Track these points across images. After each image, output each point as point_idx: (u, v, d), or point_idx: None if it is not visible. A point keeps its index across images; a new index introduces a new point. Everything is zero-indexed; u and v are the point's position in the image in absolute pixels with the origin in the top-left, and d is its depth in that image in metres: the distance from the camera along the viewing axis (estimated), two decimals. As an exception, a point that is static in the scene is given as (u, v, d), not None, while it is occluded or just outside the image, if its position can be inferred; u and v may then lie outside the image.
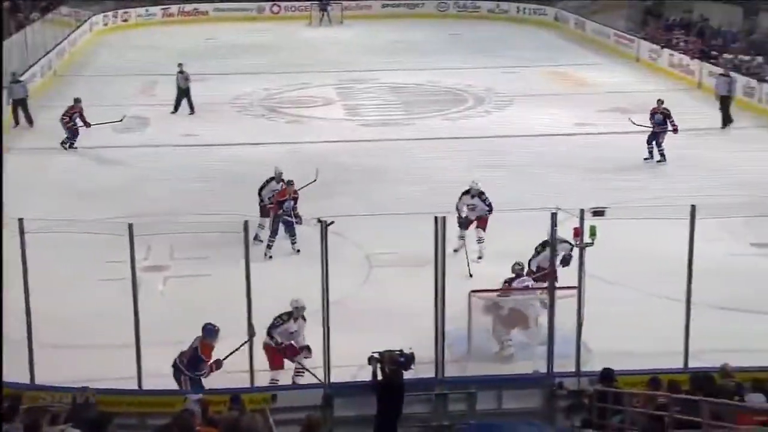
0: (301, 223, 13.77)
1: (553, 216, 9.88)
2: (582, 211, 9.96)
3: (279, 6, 39.73)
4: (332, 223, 13.13)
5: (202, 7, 38.90)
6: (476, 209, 13.73)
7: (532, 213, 13.11)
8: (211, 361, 9.44)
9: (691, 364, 9.43)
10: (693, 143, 19.57)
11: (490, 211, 13.70)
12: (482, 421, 8.96)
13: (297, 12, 39.31)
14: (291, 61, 30.08)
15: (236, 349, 9.34)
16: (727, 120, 21.36)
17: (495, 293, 11.32)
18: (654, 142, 18.55)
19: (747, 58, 24.45)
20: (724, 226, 14.38)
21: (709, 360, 9.56)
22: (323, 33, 36.67)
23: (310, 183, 14.67)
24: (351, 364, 9.82)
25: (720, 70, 23.44)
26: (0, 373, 6.60)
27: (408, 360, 8.65)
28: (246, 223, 9.18)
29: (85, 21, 34.59)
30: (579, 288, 10.07)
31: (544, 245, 11.60)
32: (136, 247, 9.11)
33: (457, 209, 13.69)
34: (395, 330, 10.87)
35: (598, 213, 10.60)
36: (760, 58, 23.75)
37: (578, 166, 18.53)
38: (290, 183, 14.04)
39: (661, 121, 18.61)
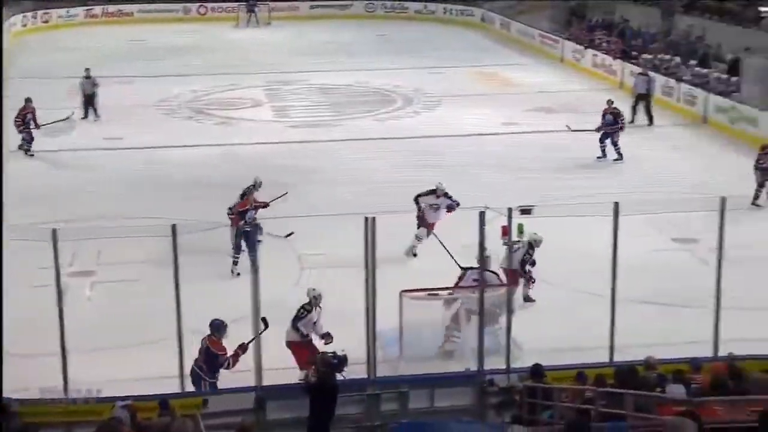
0: (261, 234, 13.31)
1: (482, 215, 9.98)
2: (510, 210, 10.10)
3: (205, 7, 39.32)
4: (292, 233, 13.15)
5: (127, 8, 38.26)
6: (438, 210, 13.84)
7: (462, 212, 13.28)
8: (229, 353, 9.29)
9: (617, 358, 9.62)
10: (622, 141, 19.95)
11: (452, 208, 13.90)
12: (414, 420, 8.99)
13: (224, 13, 38.95)
14: (218, 63, 29.80)
15: (258, 335, 9.13)
16: (650, 117, 21.88)
17: (425, 292, 11.41)
18: (608, 142, 18.90)
19: (667, 57, 25.06)
20: (648, 222, 14.77)
21: (633, 353, 9.77)
22: (251, 34, 36.41)
23: (282, 196, 14.00)
24: (284, 367, 9.80)
25: (639, 69, 24.01)
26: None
27: (341, 362, 8.65)
28: (174, 227, 9.07)
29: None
30: (507, 285, 10.24)
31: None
32: (63, 252, 8.94)
33: (419, 207, 13.78)
34: (332, 329, 10.90)
35: (526, 211, 10.78)
36: (677, 58, 24.36)
37: (506, 165, 18.77)
38: (249, 192, 13.60)
39: (611, 121, 18.98)
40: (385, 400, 9.28)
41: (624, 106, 22.36)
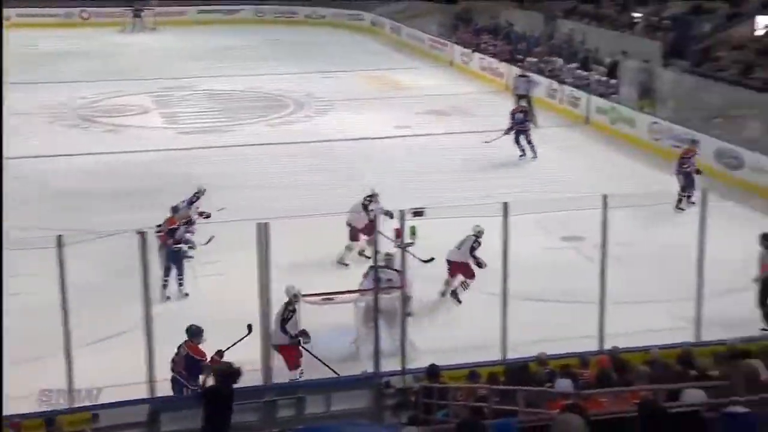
0: (194, 249, 12.72)
1: (375, 216, 10.08)
2: (402, 212, 10.21)
3: (88, 12, 38.33)
4: (212, 238, 12.75)
5: (5, 12, 36.90)
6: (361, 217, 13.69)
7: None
8: (208, 358, 9.21)
9: (510, 356, 9.83)
10: (505, 142, 20.40)
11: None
12: (310, 425, 8.98)
13: (107, 18, 38.08)
14: (104, 69, 29.10)
15: (239, 341, 9.09)
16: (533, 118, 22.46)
17: (321, 297, 11.42)
18: (522, 140, 19.40)
19: (551, 60, 25.74)
20: (537, 222, 15.15)
21: (525, 351, 10.02)
22: (137, 39, 35.70)
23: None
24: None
25: (519, 71, 24.61)
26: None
27: (234, 373, 8.55)
28: (59, 239, 8.81)
29: None
30: (403, 287, 10.33)
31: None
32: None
33: (366, 211, 13.61)
34: (225, 338, 10.77)
35: (418, 213, 10.89)
36: (560, 61, 25.07)
37: (399, 168, 18.93)
38: (177, 209, 13.05)
39: (522, 119, 19.58)
40: (282, 407, 9.24)
41: (510, 108, 22.87)
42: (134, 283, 8.97)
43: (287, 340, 10.13)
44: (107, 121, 23.11)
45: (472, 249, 12.44)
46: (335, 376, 9.84)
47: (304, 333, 10.18)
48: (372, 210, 13.38)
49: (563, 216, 15.28)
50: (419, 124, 22.70)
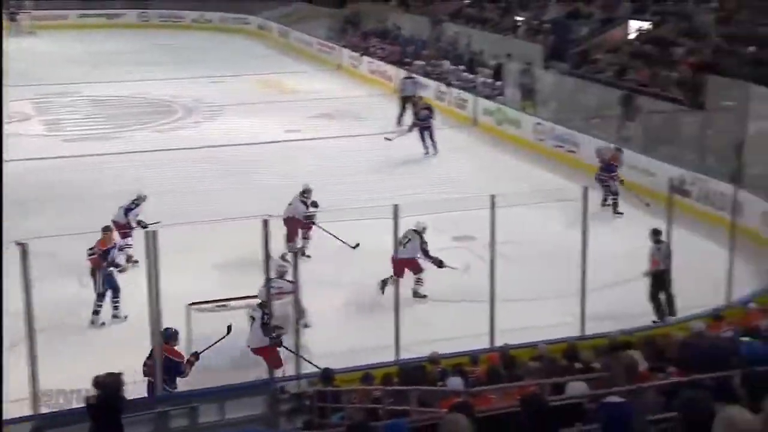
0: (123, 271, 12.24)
1: (265, 223, 10.03)
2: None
3: (-43, 15, 36.83)
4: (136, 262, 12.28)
5: None
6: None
7: (248, 221, 13.23)
8: (185, 359, 9.48)
9: (403, 356, 9.96)
10: (395, 144, 20.63)
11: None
12: (204, 434, 8.90)
13: (-20, 22, 36.64)
14: (-20, 75, 27.96)
15: (217, 342, 9.52)
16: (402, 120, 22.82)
17: (213, 304, 11.32)
18: (427, 137, 19.87)
19: (438, 62, 26.13)
20: (429, 223, 15.37)
21: (419, 351, 10.17)
22: (14, 44, 34.42)
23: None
24: (68, 389, 9.37)
25: (405, 74, 24.93)
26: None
27: (115, 383, 8.39)
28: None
29: None
30: (296, 291, 10.33)
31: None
32: None
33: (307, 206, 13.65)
34: (117, 350, 10.58)
35: (308, 217, 10.93)
36: (447, 63, 25.48)
37: (290, 172, 18.87)
38: (108, 229, 12.41)
39: (426, 116, 20.08)
40: (175, 416, 9.10)
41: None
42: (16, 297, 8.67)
43: (267, 341, 10.25)
44: (-16, 129, 22.24)
45: (425, 251, 12.63)
46: (228, 384, 9.73)
47: (278, 327, 10.27)
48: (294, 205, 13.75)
49: (454, 216, 15.56)
50: (310, 127, 22.70)
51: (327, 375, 9.13)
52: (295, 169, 19.08)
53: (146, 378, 9.51)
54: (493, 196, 10.14)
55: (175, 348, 9.57)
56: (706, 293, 11.59)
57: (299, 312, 10.40)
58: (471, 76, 24.25)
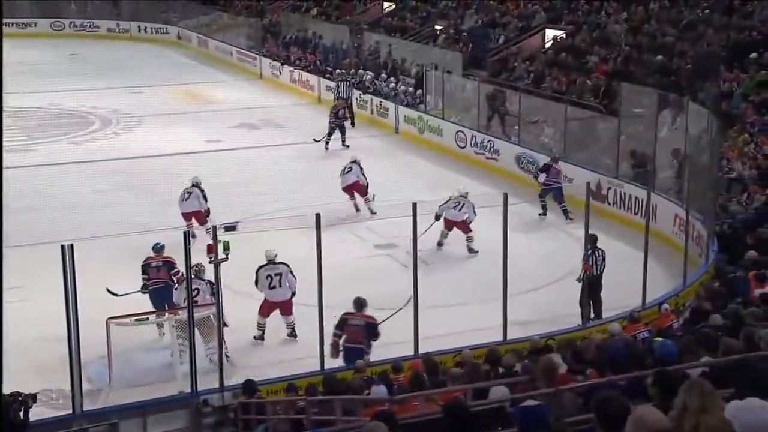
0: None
1: (186, 234, 9.92)
2: (214, 228, 10.13)
3: None
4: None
5: None
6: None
7: (165, 232, 13.08)
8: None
9: (328, 366, 9.94)
10: (315, 154, 20.62)
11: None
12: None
13: None
14: None
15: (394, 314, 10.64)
16: (352, 119, 23.21)
17: (132, 318, 11.14)
18: (340, 135, 20.96)
19: (360, 72, 26.17)
20: (351, 231, 15.42)
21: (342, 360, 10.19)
22: None
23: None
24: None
25: (339, 77, 25.23)
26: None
27: (19, 401, 8.21)
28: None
29: None
30: (218, 303, 10.22)
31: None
32: None
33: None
34: (28, 366, 10.30)
35: (230, 228, 10.83)
36: (369, 73, 25.56)
37: (212, 182, 18.66)
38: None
39: (343, 115, 21.42)
40: (95, 433, 8.94)
41: (325, 119, 23.18)
42: None
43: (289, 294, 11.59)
44: None
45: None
46: (150, 398, 9.57)
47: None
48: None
49: (376, 224, 15.64)
50: (230, 137, 22.52)
51: (250, 387, 9.07)
52: (215, 179, 18.90)
53: (347, 345, 10.25)
54: (415, 204, 10.21)
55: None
56: (622, 295, 11.88)
57: (220, 322, 10.30)
58: (392, 85, 24.37)
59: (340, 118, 21.35)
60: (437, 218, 14.61)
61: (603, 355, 7.69)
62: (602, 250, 12.08)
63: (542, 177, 16.53)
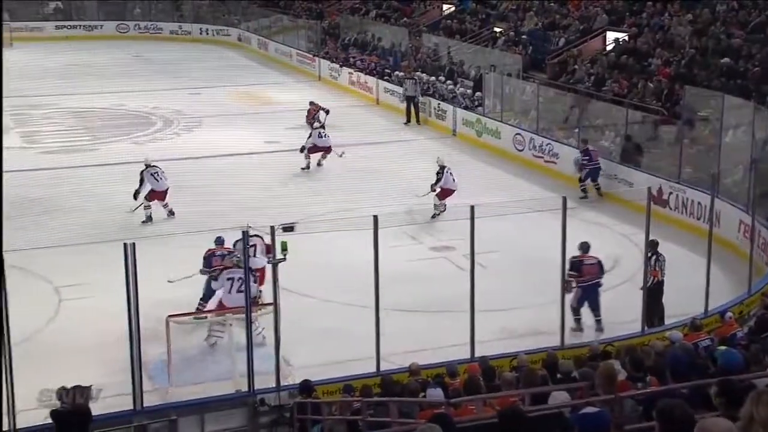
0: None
1: (245, 234, 10.01)
2: (272, 228, 10.18)
3: (-64, 29, 36.56)
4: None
5: None
6: None
7: (225, 233, 13.20)
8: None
9: (384, 367, 9.94)
10: (373, 155, 20.67)
11: None
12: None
13: (-43, 34, 36.33)
14: (-45, 87, 27.73)
15: None
16: (417, 117, 23.78)
17: (191, 316, 11.30)
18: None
19: (418, 74, 26.15)
20: (407, 233, 15.39)
21: (399, 361, 10.17)
22: (-9, 56, 34.22)
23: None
24: (42, 406, 9.30)
25: (404, 74, 25.38)
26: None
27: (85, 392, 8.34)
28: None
29: None
30: (275, 304, 10.29)
31: None
32: None
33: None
34: (91, 363, 10.50)
35: (288, 228, 10.88)
36: (426, 76, 25.51)
37: (269, 183, 18.87)
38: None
39: (325, 118, 21.67)
40: (154, 430, 9.05)
41: (383, 121, 23.27)
42: None
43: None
44: (-41, 142, 22.05)
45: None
46: (208, 396, 9.67)
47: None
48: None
49: (433, 226, 15.60)
50: (289, 138, 22.64)
51: (307, 387, 9.10)
52: (273, 180, 19.09)
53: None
54: (473, 207, 10.15)
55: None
56: (684, 302, 11.67)
57: (277, 322, 10.35)
58: (451, 87, 24.31)
59: (315, 122, 21.14)
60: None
61: (663, 363, 7.54)
62: (663, 256, 11.88)
63: (580, 159, 17.43)
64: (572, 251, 10.83)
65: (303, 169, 19.53)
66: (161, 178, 16.24)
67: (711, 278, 11.44)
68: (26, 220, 15.95)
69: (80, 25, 39.24)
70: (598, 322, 12.01)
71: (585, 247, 12.01)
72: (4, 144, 22.06)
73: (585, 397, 5.82)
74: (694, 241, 13.88)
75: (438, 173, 16.59)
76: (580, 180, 17.55)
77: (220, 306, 11.49)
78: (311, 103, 23.05)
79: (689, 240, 14.37)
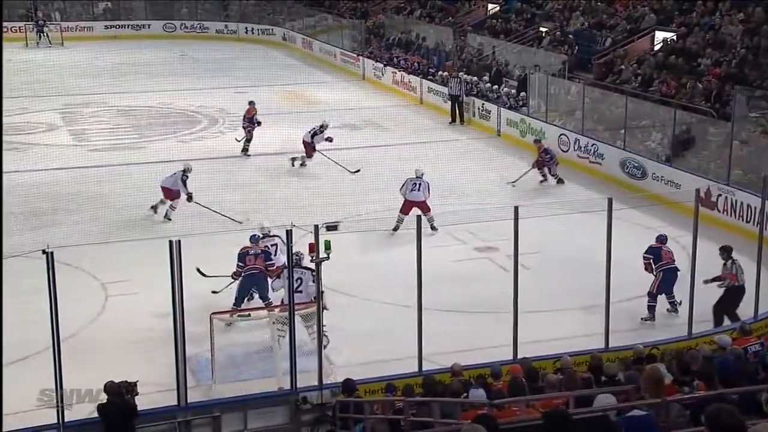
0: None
1: (288, 233, 10.03)
2: (316, 227, 10.20)
3: (-18, 26, 37.26)
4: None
5: None
6: None
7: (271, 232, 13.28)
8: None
9: (426, 367, 9.90)
10: (416, 155, 20.60)
11: None
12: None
13: (11, 33, 37.01)
14: (7, 85, 28.20)
15: None
16: (462, 117, 23.89)
17: (236, 314, 11.38)
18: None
19: (462, 74, 26.06)
20: (451, 233, 15.32)
21: (441, 361, 10.13)
22: (43, 55, 34.82)
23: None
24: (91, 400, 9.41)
25: (450, 73, 25.40)
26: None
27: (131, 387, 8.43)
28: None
29: None
30: (318, 302, 10.31)
31: None
32: None
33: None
34: (137, 359, 10.62)
35: (332, 228, 10.89)
36: (470, 76, 25.39)
37: (313, 182, 18.92)
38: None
39: (257, 120, 21.37)
40: (198, 426, 9.12)
41: (426, 120, 23.19)
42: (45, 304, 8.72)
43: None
44: (9, 139, 22.42)
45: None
46: (250, 393, 9.72)
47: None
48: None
49: (477, 227, 15.51)
50: (334, 137, 22.66)
51: (349, 386, 9.11)
52: (317, 178, 19.15)
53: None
54: (516, 207, 10.07)
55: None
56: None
57: (320, 321, 10.37)
58: (495, 87, 24.19)
59: (253, 123, 21.09)
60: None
61: (711, 367, 7.42)
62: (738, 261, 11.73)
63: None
64: (617, 253, 10.66)
65: (300, 164, 19.89)
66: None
67: (761, 281, 11.24)
68: (76, 216, 16.21)
69: (128, 25, 39.74)
70: (672, 303, 12.17)
71: (662, 238, 12.58)
72: (54, 141, 22.76)
73: (631, 401, 5.74)
74: (743, 243, 13.61)
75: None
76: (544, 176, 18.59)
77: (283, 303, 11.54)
78: (250, 103, 22.04)
79: (738, 243, 14.06)
